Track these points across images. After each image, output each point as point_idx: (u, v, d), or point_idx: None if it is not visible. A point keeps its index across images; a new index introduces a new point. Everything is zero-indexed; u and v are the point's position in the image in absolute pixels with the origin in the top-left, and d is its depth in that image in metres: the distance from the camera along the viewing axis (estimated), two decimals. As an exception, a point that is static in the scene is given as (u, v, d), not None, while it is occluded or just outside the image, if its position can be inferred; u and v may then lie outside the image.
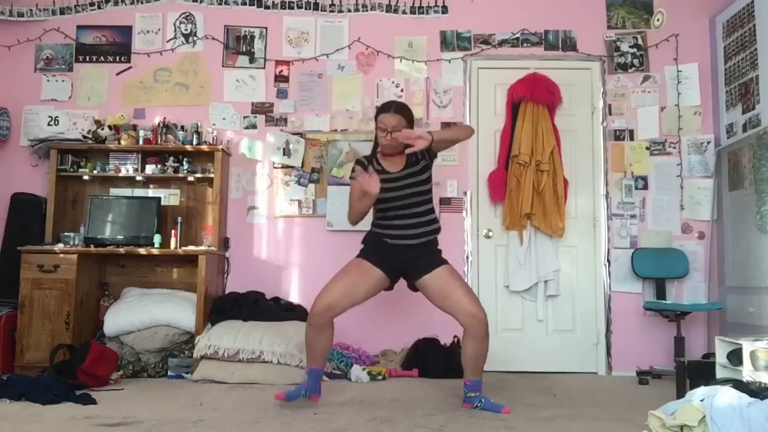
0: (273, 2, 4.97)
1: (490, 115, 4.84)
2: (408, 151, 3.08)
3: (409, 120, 3.27)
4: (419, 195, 3.26)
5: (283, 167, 4.82)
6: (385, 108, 3.27)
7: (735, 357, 3.21)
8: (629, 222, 4.73)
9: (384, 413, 3.10)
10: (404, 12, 4.94)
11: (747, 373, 3.02)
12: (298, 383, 3.89)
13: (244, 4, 4.97)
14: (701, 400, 2.30)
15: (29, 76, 4.91)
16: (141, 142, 4.62)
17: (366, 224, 3.39)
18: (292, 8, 4.97)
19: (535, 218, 4.60)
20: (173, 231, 4.45)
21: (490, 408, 3.14)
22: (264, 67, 4.91)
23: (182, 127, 4.71)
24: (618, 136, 4.81)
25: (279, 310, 4.42)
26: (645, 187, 4.76)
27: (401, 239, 3.22)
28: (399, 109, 3.26)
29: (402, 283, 3.37)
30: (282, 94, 4.89)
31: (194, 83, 4.92)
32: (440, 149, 3.39)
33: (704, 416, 2.24)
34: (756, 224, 4.12)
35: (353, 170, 3.34)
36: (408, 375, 4.27)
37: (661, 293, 4.54)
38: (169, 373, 4.18)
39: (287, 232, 4.79)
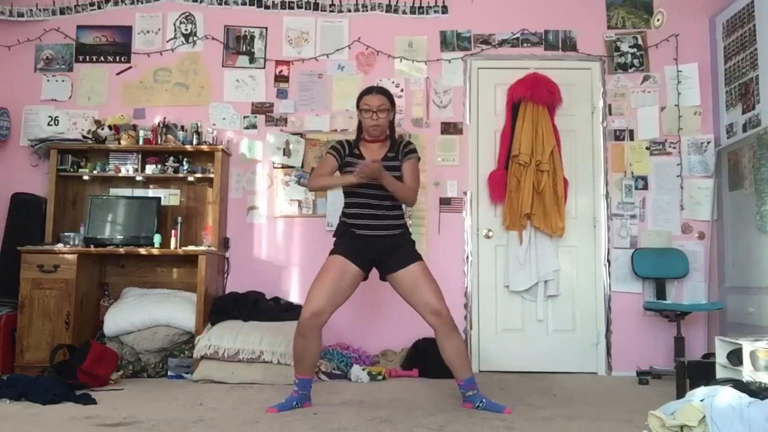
0: (273, 2, 4.97)
1: (490, 115, 4.84)
2: (354, 173, 3.08)
3: (392, 102, 3.31)
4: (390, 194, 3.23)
5: (283, 167, 4.82)
6: (367, 91, 3.33)
7: (735, 357, 3.21)
8: (629, 222, 4.73)
9: (384, 413, 3.09)
10: (404, 12, 4.94)
11: (747, 373, 3.02)
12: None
13: (244, 4, 4.97)
14: (701, 400, 2.30)
15: (29, 76, 4.91)
16: (141, 142, 4.61)
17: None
18: (292, 8, 4.97)
19: (535, 218, 4.60)
20: (173, 231, 4.45)
21: (491, 408, 3.14)
22: (264, 67, 4.91)
23: (182, 127, 4.71)
24: (618, 136, 4.81)
25: (279, 310, 4.42)
26: (645, 187, 4.76)
27: (366, 229, 3.20)
28: (381, 90, 3.32)
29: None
30: (282, 94, 4.89)
31: (194, 83, 4.92)
32: (402, 172, 3.28)
33: (704, 416, 2.24)
34: (756, 224, 4.12)
35: (332, 147, 3.33)
36: (408, 375, 4.27)
37: (661, 293, 4.54)
38: (169, 373, 4.18)
39: (287, 232, 4.79)
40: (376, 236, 3.20)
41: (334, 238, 3.32)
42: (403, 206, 3.34)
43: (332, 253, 3.25)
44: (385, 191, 3.16)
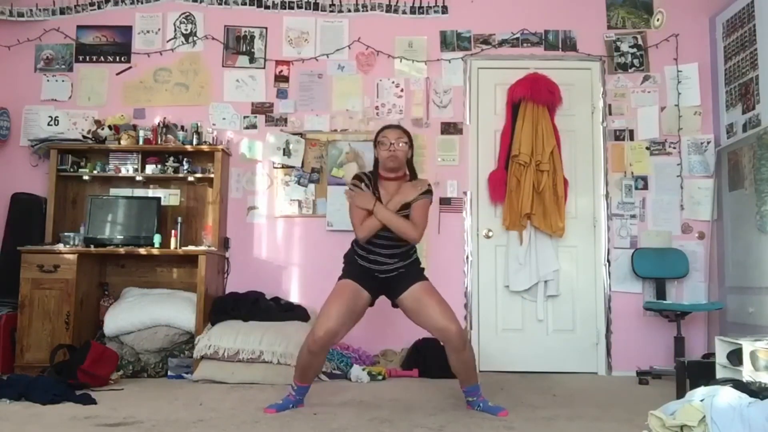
0: (273, 2, 4.97)
1: (490, 115, 4.84)
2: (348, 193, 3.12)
3: (410, 139, 3.25)
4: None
5: (283, 167, 4.82)
6: (386, 126, 3.29)
7: (735, 357, 3.21)
8: (629, 222, 4.73)
9: (384, 413, 3.09)
10: (404, 12, 4.94)
11: (747, 373, 3.02)
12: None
13: (244, 4, 4.97)
14: (701, 400, 2.30)
15: (29, 76, 4.91)
16: (141, 142, 4.61)
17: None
18: (292, 8, 4.97)
19: (535, 218, 4.60)
20: (173, 231, 4.45)
21: (487, 410, 3.12)
22: (264, 67, 4.91)
23: (182, 127, 4.71)
24: (618, 136, 4.81)
25: (279, 310, 4.42)
26: (645, 187, 4.76)
27: (374, 264, 3.16)
28: (399, 127, 3.29)
29: None
30: (282, 94, 4.90)
31: (194, 83, 4.92)
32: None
33: (704, 416, 2.24)
34: (756, 224, 4.12)
35: (354, 180, 3.25)
36: (408, 375, 4.27)
37: (661, 293, 4.54)
38: (169, 373, 4.18)
39: (287, 232, 4.79)
40: (383, 271, 3.17)
41: (344, 264, 3.28)
42: None
43: (343, 277, 3.21)
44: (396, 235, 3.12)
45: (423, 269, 3.28)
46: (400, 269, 3.18)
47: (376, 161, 3.26)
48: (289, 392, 3.22)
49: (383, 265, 3.15)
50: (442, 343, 3.15)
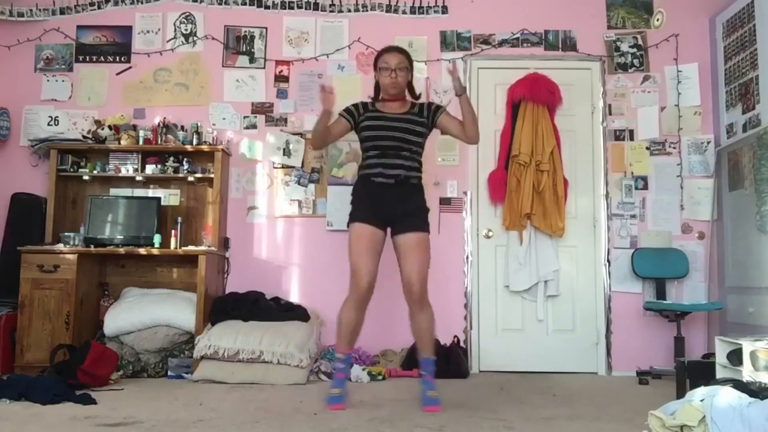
0: (273, 2, 4.97)
1: (490, 115, 4.84)
2: (451, 72, 3.21)
3: (410, 60, 3.36)
4: (408, 142, 3.29)
5: (283, 167, 4.82)
6: (386, 49, 3.38)
7: (735, 357, 3.21)
8: (629, 222, 4.73)
9: (384, 413, 3.09)
10: (404, 12, 4.94)
11: (747, 373, 3.02)
12: (297, 383, 3.90)
13: (244, 4, 4.97)
14: (701, 400, 2.30)
15: (29, 76, 4.91)
16: (141, 142, 4.61)
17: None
18: (292, 8, 4.97)
19: (535, 218, 4.60)
20: (173, 231, 4.45)
21: (423, 397, 3.22)
22: (264, 67, 4.91)
23: (182, 127, 4.71)
24: (618, 136, 4.81)
25: (279, 310, 4.42)
26: (645, 187, 4.76)
27: (382, 177, 3.26)
28: (400, 49, 3.37)
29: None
30: (282, 94, 4.89)
31: (194, 83, 4.92)
32: (446, 126, 3.41)
33: (704, 416, 2.24)
34: (756, 224, 4.12)
35: (345, 109, 3.40)
36: (408, 375, 4.26)
37: (661, 293, 4.54)
38: (169, 373, 4.18)
39: (287, 232, 4.79)
40: (391, 185, 3.25)
41: (351, 203, 3.37)
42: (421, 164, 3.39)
43: (354, 219, 3.30)
44: (402, 143, 3.25)
45: (427, 210, 3.38)
46: (410, 179, 3.29)
47: (377, 84, 3.38)
48: (337, 370, 3.29)
49: (388, 176, 3.25)
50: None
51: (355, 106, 3.41)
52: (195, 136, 4.65)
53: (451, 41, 4.92)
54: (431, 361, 3.29)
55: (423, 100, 3.59)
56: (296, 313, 4.41)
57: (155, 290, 4.53)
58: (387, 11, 4.95)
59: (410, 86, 3.42)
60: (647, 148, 4.78)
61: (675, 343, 4.31)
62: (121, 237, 4.49)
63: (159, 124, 4.70)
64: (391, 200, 3.26)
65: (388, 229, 3.34)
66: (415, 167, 3.34)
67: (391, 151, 3.27)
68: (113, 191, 4.73)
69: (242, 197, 4.82)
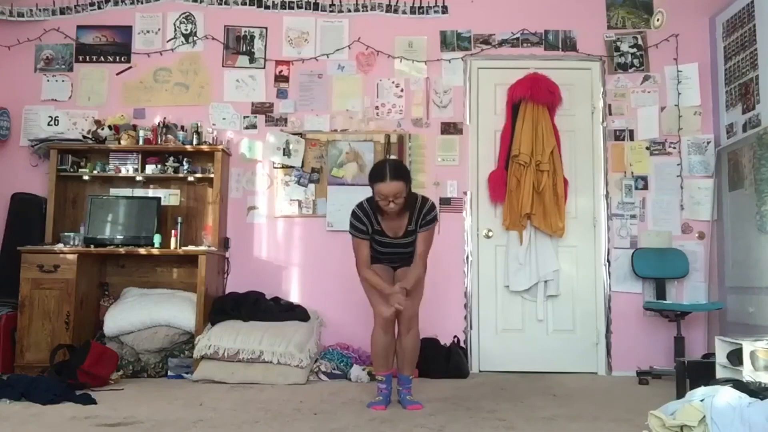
0: (273, 2, 4.96)
1: (490, 115, 4.84)
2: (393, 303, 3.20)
3: (407, 180, 3.17)
4: (408, 252, 3.36)
5: (283, 167, 4.82)
6: (380, 176, 3.12)
7: (735, 357, 3.21)
8: (629, 222, 4.73)
9: (384, 413, 3.10)
10: (404, 12, 4.94)
11: (747, 373, 3.02)
12: (297, 383, 3.90)
13: (244, 4, 4.96)
14: (701, 400, 2.30)
15: (29, 76, 4.91)
16: (141, 142, 4.61)
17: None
18: (292, 8, 4.97)
19: (535, 218, 4.60)
20: (173, 231, 4.45)
21: (402, 401, 3.28)
22: (264, 67, 4.91)
23: (182, 127, 4.71)
24: (618, 136, 4.81)
25: (279, 310, 4.42)
26: (645, 187, 4.75)
27: (393, 263, 3.45)
28: (394, 174, 3.11)
29: None
30: (282, 94, 4.89)
31: (194, 83, 4.92)
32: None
33: (704, 416, 2.24)
34: (756, 224, 4.12)
35: (357, 229, 3.28)
36: (408, 375, 4.26)
37: (661, 293, 4.54)
38: (169, 373, 4.18)
39: (287, 232, 4.79)
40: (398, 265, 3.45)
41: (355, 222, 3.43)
42: None
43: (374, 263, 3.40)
44: (404, 255, 3.35)
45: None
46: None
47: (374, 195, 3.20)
48: (380, 389, 3.33)
49: (394, 263, 3.43)
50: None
51: (364, 224, 3.26)
52: (195, 136, 4.65)
53: (451, 41, 4.92)
54: (410, 379, 3.36)
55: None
56: (296, 313, 4.41)
57: (155, 290, 4.53)
58: (387, 11, 4.95)
59: (409, 192, 3.20)
60: (647, 148, 4.78)
61: (675, 343, 4.31)
62: (121, 237, 4.49)
63: (159, 124, 4.70)
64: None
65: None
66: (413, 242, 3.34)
67: (395, 262, 3.43)
68: (113, 191, 4.73)
69: (242, 197, 4.82)
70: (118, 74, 4.91)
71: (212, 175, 4.58)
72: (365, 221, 3.26)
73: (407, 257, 3.35)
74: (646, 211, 4.74)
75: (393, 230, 3.29)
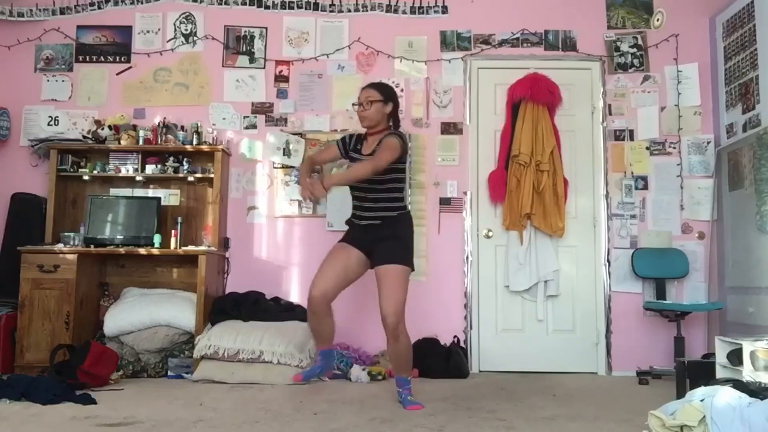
0: (273, 2, 4.96)
1: (490, 115, 4.84)
2: (305, 196, 3.14)
3: (385, 94, 3.36)
4: (373, 182, 3.26)
5: (283, 167, 4.82)
6: (364, 86, 3.46)
7: (735, 357, 3.21)
8: (629, 222, 4.73)
9: (384, 413, 3.10)
10: (404, 12, 4.94)
11: (747, 373, 3.02)
12: (297, 384, 3.90)
13: (244, 4, 4.97)
14: (701, 400, 2.30)
15: (29, 76, 4.91)
16: (141, 142, 4.61)
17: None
18: (292, 8, 4.97)
19: (535, 218, 4.60)
20: (173, 231, 4.45)
21: (403, 402, 3.25)
22: (264, 67, 4.91)
23: (182, 127, 4.71)
24: (618, 136, 4.81)
25: (279, 310, 4.42)
26: (645, 187, 4.75)
27: (361, 219, 3.36)
28: (373, 85, 3.44)
29: None
30: (282, 94, 4.90)
31: (194, 83, 4.92)
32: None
33: (704, 416, 2.24)
34: (756, 224, 4.12)
35: (341, 138, 3.53)
36: (408, 375, 4.26)
37: (661, 293, 4.54)
38: (169, 373, 4.18)
39: (287, 232, 4.79)
40: (366, 225, 3.33)
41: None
42: (399, 194, 3.39)
43: (340, 241, 3.43)
44: (370, 185, 3.27)
45: (409, 234, 3.35)
46: (379, 221, 3.29)
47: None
48: (315, 360, 3.42)
49: (362, 219, 3.34)
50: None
51: (349, 137, 3.50)
52: (195, 136, 4.65)
53: (451, 41, 4.92)
54: (408, 380, 3.34)
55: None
56: (296, 313, 4.41)
57: (155, 290, 4.53)
58: (387, 11, 4.95)
59: (395, 117, 3.43)
60: (647, 148, 4.78)
61: (675, 343, 4.31)
62: (121, 237, 4.49)
63: (159, 124, 4.70)
64: (367, 232, 3.32)
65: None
66: (389, 205, 3.31)
67: (360, 194, 3.34)
68: (113, 191, 4.73)
69: (242, 197, 4.82)
70: (118, 74, 4.91)
71: (212, 175, 4.58)
72: (349, 139, 3.49)
73: (369, 185, 3.25)
74: (646, 211, 4.74)
75: (367, 149, 3.38)
